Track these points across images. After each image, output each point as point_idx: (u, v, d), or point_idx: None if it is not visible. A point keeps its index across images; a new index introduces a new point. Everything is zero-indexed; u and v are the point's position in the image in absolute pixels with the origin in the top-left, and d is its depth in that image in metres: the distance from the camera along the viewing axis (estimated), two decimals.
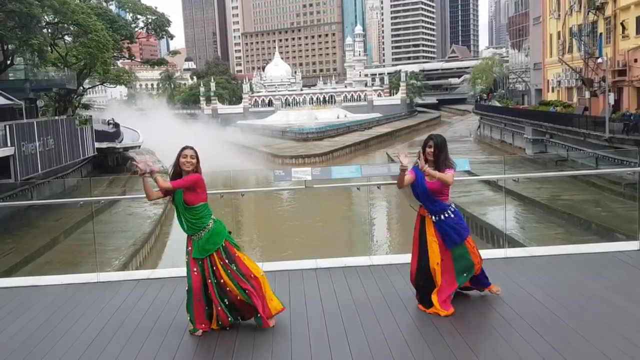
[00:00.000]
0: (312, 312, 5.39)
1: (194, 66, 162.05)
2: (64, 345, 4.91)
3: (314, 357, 4.48)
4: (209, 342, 4.90)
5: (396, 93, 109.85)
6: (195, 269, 5.12)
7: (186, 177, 5.07)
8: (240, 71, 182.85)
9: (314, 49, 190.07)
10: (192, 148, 5.16)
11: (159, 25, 52.23)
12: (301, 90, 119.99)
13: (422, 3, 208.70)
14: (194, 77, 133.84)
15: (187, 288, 5.14)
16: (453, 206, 5.47)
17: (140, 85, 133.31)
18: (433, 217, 5.41)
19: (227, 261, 5.12)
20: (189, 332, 5.08)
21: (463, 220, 5.52)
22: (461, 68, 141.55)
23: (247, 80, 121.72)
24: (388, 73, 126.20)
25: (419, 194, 5.43)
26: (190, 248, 5.16)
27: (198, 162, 5.13)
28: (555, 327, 4.83)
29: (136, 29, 52.62)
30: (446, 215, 5.39)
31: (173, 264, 15.41)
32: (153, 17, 51.71)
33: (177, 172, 5.12)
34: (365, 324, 5.07)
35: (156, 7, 52.73)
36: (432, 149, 5.34)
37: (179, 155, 5.12)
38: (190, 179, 5.05)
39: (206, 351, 4.73)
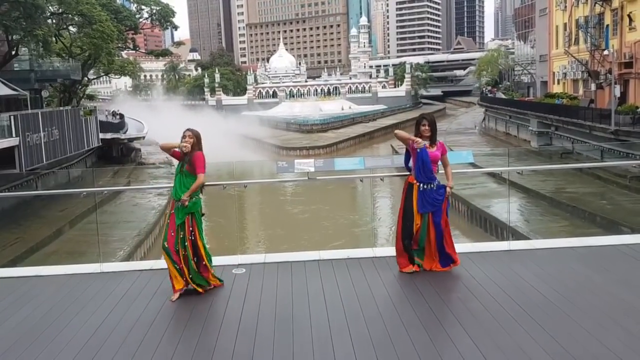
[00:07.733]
0: (314, 303, 5.41)
1: (199, 57, 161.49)
2: (68, 334, 4.94)
3: (315, 347, 4.50)
4: (211, 332, 4.92)
5: (401, 85, 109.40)
6: (172, 232, 5.76)
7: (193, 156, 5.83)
8: (245, 62, 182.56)
9: (318, 40, 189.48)
10: (190, 129, 5.78)
11: (164, 16, 52.13)
12: (305, 81, 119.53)
13: None
14: (199, 68, 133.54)
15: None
16: (438, 180, 6.15)
17: (145, 76, 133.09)
18: (421, 186, 6.08)
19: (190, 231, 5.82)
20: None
21: (443, 196, 6.15)
22: (466, 60, 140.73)
23: (251, 72, 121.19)
24: (393, 64, 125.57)
25: (418, 163, 6.05)
26: (172, 210, 5.84)
27: (197, 141, 5.76)
28: (558, 319, 4.83)
29: (140, 20, 52.53)
30: (432, 185, 6.09)
31: None
32: (157, 8, 51.60)
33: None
34: (367, 315, 5.08)
35: None
36: (426, 127, 6.08)
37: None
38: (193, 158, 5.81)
39: (208, 341, 4.74)
